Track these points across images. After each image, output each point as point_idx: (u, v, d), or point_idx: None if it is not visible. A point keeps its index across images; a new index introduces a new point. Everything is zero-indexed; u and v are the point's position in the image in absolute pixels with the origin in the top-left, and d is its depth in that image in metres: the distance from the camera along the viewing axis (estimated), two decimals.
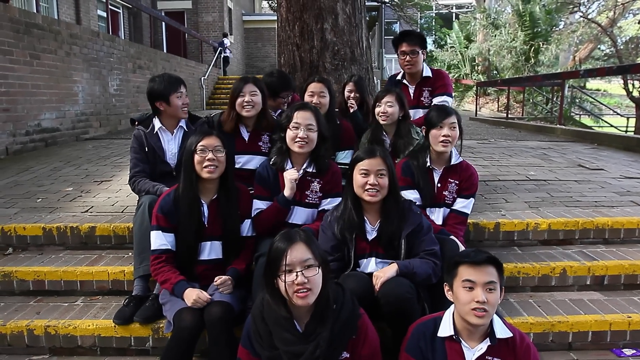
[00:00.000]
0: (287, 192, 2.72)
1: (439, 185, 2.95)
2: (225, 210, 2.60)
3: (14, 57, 5.97)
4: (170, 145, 3.10)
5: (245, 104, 3.06)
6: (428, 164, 2.95)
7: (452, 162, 2.95)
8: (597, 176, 4.65)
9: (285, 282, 1.87)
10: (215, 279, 2.47)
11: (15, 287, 3.08)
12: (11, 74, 5.93)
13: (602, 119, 16.80)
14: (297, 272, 1.88)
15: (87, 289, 3.06)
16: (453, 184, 2.96)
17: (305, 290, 1.87)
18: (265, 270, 1.97)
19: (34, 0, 10.70)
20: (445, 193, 2.95)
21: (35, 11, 8.52)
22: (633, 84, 15.30)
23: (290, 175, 2.71)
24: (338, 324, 1.95)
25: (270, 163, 2.83)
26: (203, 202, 2.58)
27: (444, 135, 2.83)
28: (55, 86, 6.88)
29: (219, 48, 17.56)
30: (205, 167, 2.48)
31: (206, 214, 2.58)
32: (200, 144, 2.50)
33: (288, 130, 2.72)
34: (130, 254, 3.19)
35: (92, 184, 4.52)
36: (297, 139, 2.69)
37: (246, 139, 3.17)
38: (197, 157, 2.49)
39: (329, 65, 5.00)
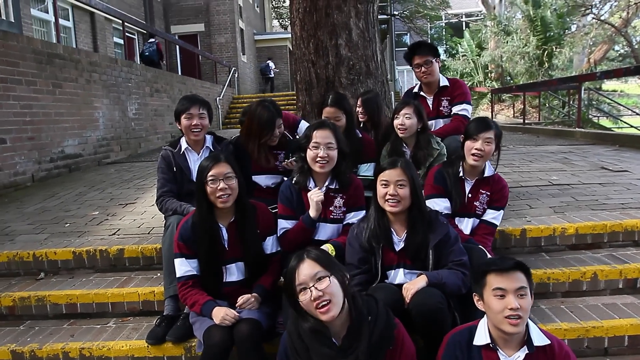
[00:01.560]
0: (312, 213, 2.73)
1: (469, 195, 2.94)
2: (244, 232, 2.60)
3: (38, 87, 6.15)
4: (197, 165, 3.13)
5: (275, 138, 3.18)
6: (461, 173, 2.93)
7: (486, 175, 2.93)
8: (622, 178, 4.58)
9: (302, 300, 1.90)
10: (238, 299, 2.48)
11: (48, 310, 3.14)
12: (35, 103, 6.10)
13: (621, 120, 16.55)
14: (310, 288, 1.90)
15: (118, 311, 3.10)
16: (484, 195, 2.94)
17: (324, 303, 1.88)
18: (286, 293, 2.01)
19: (54, 31, 11.01)
20: (476, 204, 2.93)
21: (55, 41, 8.75)
22: None
23: (316, 196, 2.72)
24: (375, 336, 1.95)
25: (293, 182, 2.85)
26: (221, 225, 2.59)
27: (476, 149, 2.80)
28: (77, 113, 7.05)
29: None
30: (218, 196, 2.48)
31: (225, 237, 2.59)
32: (211, 174, 2.48)
33: (308, 150, 2.74)
34: (159, 274, 3.23)
35: (118, 207, 4.61)
36: (318, 159, 2.70)
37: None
38: (209, 188, 2.48)
39: (345, 80, 5.02)
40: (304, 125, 3.74)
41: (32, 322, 3.12)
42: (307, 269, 1.92)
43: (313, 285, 1.89)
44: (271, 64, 21.92)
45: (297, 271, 1.92)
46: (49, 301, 3.13)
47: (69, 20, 12.14)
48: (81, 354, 2.74)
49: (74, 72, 6.98)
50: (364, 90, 4.42)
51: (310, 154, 2.73)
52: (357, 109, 3.78)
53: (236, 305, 2.46)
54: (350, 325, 1.96)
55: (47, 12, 11.29)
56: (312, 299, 1.88)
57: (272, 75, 22.11)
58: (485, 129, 2.82)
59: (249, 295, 2.50)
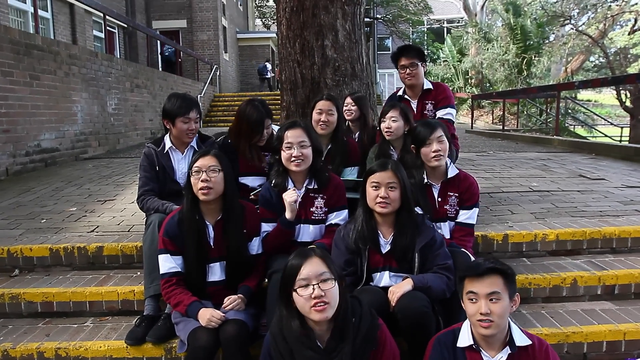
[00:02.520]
0: (288, 215, 2.70)
1: (439, 200, 2.93)
2: (229, 230, 2.57)
3: (14, 78, 5.99)
4: (181, 164, 3.10)
5: (264, 138, 3.15)
6: (425, 180, 2.93)
7: (449, 175, 2.92)
8: (599, 186, 4.68)
9: (301, 295, 1.88)
10: (225, 300, 2.45)
11: (23, 309, 3.04)
12: (11, 95, 5.93)
13: (595, 129, 16.95)
14: (313, 285, 1.88)
15: (96, 310, 3.03)
16: (453, 197, 2.93)
17: (322, 303, 1.87)
18: (281, 287, 1.97)
19: (32, 22, 10.75)
20: (447, 207, 2.93)
21: (33, 32, 8.54)
22: (626, 94, 15.49)
23: (290, 197, 2.69)
24: (359, 338, 1.95)
25: (272, 185, 2.82)
26: (208, 223, 2.56)
27: (434, 151, 2.81)
28: (55, 106, 6.88)
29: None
30: (200, 188, 2.45)
31: (212, 235, 2.56)
32: (195, 165, 2.47)
33: (282, 151, 2.73)
34: (139, 273, 3.17)
35: (96, 204, 4.51)
36: (293, 158, 2.68)
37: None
38: (192, 180, 2.47)
39: (330, 81, 5.02)
40: None
41: (5, 321, 3.02)
42: (313, 266, 1.91)
43: (317, 284, 1.88)
44: (268, 65, 22.48)
45: (303, 266, 1.90)
46: (24, 299, 3.03)
47: (47, 11, 11.86)
48: (57, 354, 2.66)
49: (52, 65, 6.82)
50: (350, 92, 4.42)
51: (284, 154, 2.72)
52: (345, 108, 3.77)
53: (223, 306, 2.42)
54: (334, 327, 1.95)
55: (25, 2, 11.01)
56: (312, 296, 1.86)
57: (269, 76, 22.61)
58: (433, 130, 2.84)
59: (236, 296, 2.47)
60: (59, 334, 2.83)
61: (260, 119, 3.08)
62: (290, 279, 1.92)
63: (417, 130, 2.92)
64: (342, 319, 1.94)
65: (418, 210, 2.88)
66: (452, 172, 2.94)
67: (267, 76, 22.55)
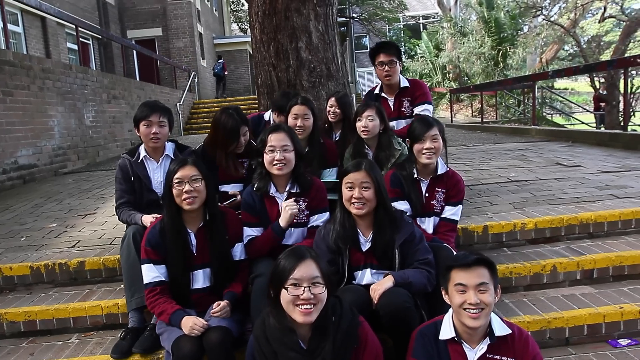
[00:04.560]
0: (283, 223, 2.68)
1: (426, 195, 2.98)
2: (212, 237, 2.57)
3: None
4: (156, 173, 3.08)
5: (240, 146, 3.14)
6: (415, 175, 2.98)
7: (439, 172, 2.98)
8: (576, 173, 4.77)
9: (290, 294, 1.89)
10: (213, 305, 2.45)
11: (5, 329, 3.00)
12: None
13: (572, 117, 17.23)
14: (304, 287, 1.89)
15: (80, 325, 3.00)
16: (440, 193, 2.99)
17: (310, 306, 1.89)
18: (271, 282, 1.99)
19: (2, 37, 10.59)
20: (434, 202, 2.98)
21: (4, 47, 8.42)
22: (599, 81, 15.77)
23: (291, 209, 2.66)
24: (339, 336, 1.97)
25: (254, 189, 2.83)
26: (190, 231, 2.56)
27: (426, 149, 2.85)
28: (30, 122, 6.79)
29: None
30: (184, 199, 2.45)
31: (194, 242, 2.56)
32: (176, 176, 2.46)
33: (265, 154, 2.73)
34: (122, 286, 3.13)
35: (77, 218, 4.46)
36: (275, 162, 2.68)
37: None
38: (174, 191, 2.46)
39: (306, 83, 5.03)
40: None
41: None
42: (307, 268, 1.92)
43: (308, 287, 1.89)
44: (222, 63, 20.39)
45: (297, 266, 1.91)
46: (6, 319, 2.99)
47: (18, 26, 11.70)
48: None
49: (25, 80, 6.72)
50: (334, 90, 4.43)
51: (267, 157, 2.72)
52: (329, 109, 3.76)
53: (211, 312, 2.42)
54: (315, 326, 1.96)
55: None
56: (301, 297, 1.88)
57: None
58: (428, 128, 2.88)
59: (224, 302, 2.46)
60: (43, 353, 2.80)
61: (236, 127, 3.07)
62: (282, 276, 1.93)
63: (413, 125, 2.96)
64: (322, 318, 1.96)
65: (404, 204, 2.92)
66: (442, 169, 2.99)
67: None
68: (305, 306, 1.89)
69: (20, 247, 3.74)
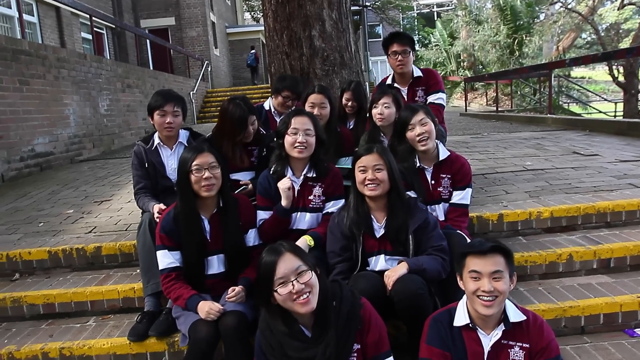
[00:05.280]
0: (283, 202, 2.72)
1: (432, 182, 2.96)
2: (226, 223, 2.59)
3: (4, 84, 5.97)
4: (170, 160, 3.10)
5: (249, 135, 3.12)
6: (417, 164, 2.95)
7: (441, 158, 2.95)
8: (593, 162, 4.70)
9: (282, 294, 1.90)
10: (228, 291, 2.47)
11: (25, 312, 3.07)
12: (2, 101, 5.92)
13: (590, 106, 16.98)
14: (292, 281, 1.90)
15: (98, 309, 3.05)
16: (446, 179, 2.96)
17: (305, 295, 1.90)
18: (259, 288, 2.00)
19: (18, 27, 10.68)
20: (440, 189, 2.96)
21: (20, 37, 8.49)
22: (618, 70, 15.49)
23: (283, 184, 2.70)
24: (342, 320, 1.98)
25: (271, 172, 2.83)
26: (203, 217, 2.58)
27: (418, 134, 2.84)
28: (47, 110, 6.87)
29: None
30: (203, 186, 2.47)
31: (208, 228, 2.58)
32: (195, 163, 2.47)
33: (286, 136, 2.73)
34: (138, 270, 3.18)
35: (93, 205, 4.52)
36: (297, 144, 2.69)
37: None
38: (193, 177, 2.47)
39: (320, 71, 5.01)
40: None
41: (8, 324, 3.05)
42: (287, 262, 1.93)
43: (295, 279, 1.90)
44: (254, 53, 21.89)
45: (277, 265, 1.92)
46: (25, 302, 3.06)
47: (33, 16, 11.80)
48: (61, 353, 2.69)
49: (41, 69, 6.79)
50: (348, 80, 4.41)
51: (288, 139, 2.72)
52: (345, 102, 3.75)
53: (227, 298, 2.44)
54: (316, 313, 1.97)
55: (10, 8, 10.94)
56: (293, 292, 1.89)
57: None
58: (413, 113, 2.87)
59: (239, 287, 2.48)
60: (62, 334, 2.86)
61: (243, 117, 3.05)
62: (268, 279, 1.93)
63: (399, 116, 2.95)
64: (322, 304, 1.96)
65: (411, 194, 2.91)
66: (444, 154, 2.96)
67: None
68: (301, 297, 1.90)
69: (39, 232, 3.81)
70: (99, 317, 3.03)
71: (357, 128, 3.70)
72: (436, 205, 2.98)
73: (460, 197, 2.96)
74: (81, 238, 3.58)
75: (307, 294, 1.90)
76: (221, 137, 3.14)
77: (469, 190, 2.98)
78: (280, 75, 3.91)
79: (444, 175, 2.96)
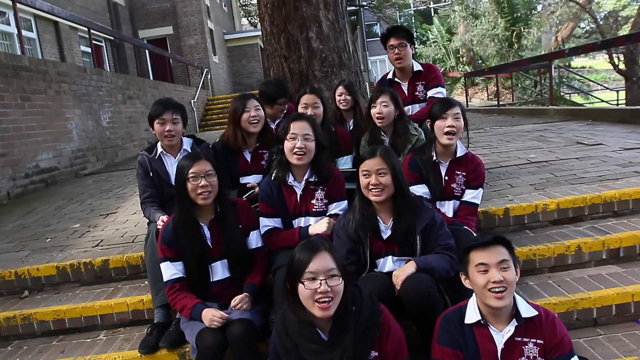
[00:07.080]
0: (312, 230, 2.67)
1: (446, 178, 2.95)
2: (226, 228, 2.59)
3: (5, 101, 5.99)
4: (174, 168, 3.09)
5: (251, 119, 3.11)
6: (434, 157, 2.95)
7: (458, 155, 2.94)
8: (597, 151, 4.67)
9: (308, 288, 1.88)
10: (232, 301, 2.46)
11: (36, 328, 3.08)
12: (4, 118, 5.94)
13: (592, 95, 16.88)
14: (320, 280, 1.88)
15: (108, 323, 3.06)
16: (460, 176, 2.95)
17: (327, 300, 1.87)
18: (287, 277, 1.98)
19: (18, 43, 10.74)
20: (454, 186, 2.95)
21: (20, 53, 8.53)
22: (618, 57, 15.41)
23: (329, 227, 2.66)
24: (360, 325, 1.96)
25: (272, 178, 2.81)
26: (202, 224, 2.57)
27: (448, 126, 2.81)
28: (49, 125, 6.89)
29: None
30: (199, 194, 2.46)
31: (208, 234, 2.57)
32: (192, 171, 2.46)
33: (285, 141, 2.72)
34: (146, 282, 3.19)
35: (99, 218, 4.53)
36: (295, 150, 2.67)
37: (249, 159, 3.22)
38: (190, 185, 2.47)
39: (319, 73, 5.01)
40: None
41: (19, 342, 3.06)
42: (323, 261, 1.90)
43: (324, 279, 1.88)
44: None
45: (312, 259, 1.90)
46: (36, 319, 3.07)
47: (32, 31, 11.84)
48: None
49: (42, 84, 6.82)
50: (338, 81, 4.40)
51: (287, 145, 2.71)
52: (339, 98, 3.74)
53: (231, 305, 2.43)
54: (335, 317, 1.95)
55: (9, 25, 11.00)
56: (318, 291, 1.87)
57: None
58: (450, 106, 2.86)
59: (243, 295, 2.47)
60: (73, 350, 2.86)
61: (242, 98, 3.13)
62: (298, 271, 1.91)
63: (435, 105, 2.94)
64: (342, 308, 1.94)
65: (422, 187, 2.89)
66: (461, 151, 2.96)
67: None
68: (323, 300, 1.87)
69: (46, 248, 3.82)
70: (109, 331, 3.03)
71: (357, 127, 3.70)
72: (446, 202, 2.96)
73: (473, 195, 2.95)
74: (88, 252, 3.59)
75: (330, 299, 1.87)
76: (229, 127, 3.19)
77: (481, 191, 2.98)
78: (265, 81, 3.90)
79: (459, 172, 2.95)
